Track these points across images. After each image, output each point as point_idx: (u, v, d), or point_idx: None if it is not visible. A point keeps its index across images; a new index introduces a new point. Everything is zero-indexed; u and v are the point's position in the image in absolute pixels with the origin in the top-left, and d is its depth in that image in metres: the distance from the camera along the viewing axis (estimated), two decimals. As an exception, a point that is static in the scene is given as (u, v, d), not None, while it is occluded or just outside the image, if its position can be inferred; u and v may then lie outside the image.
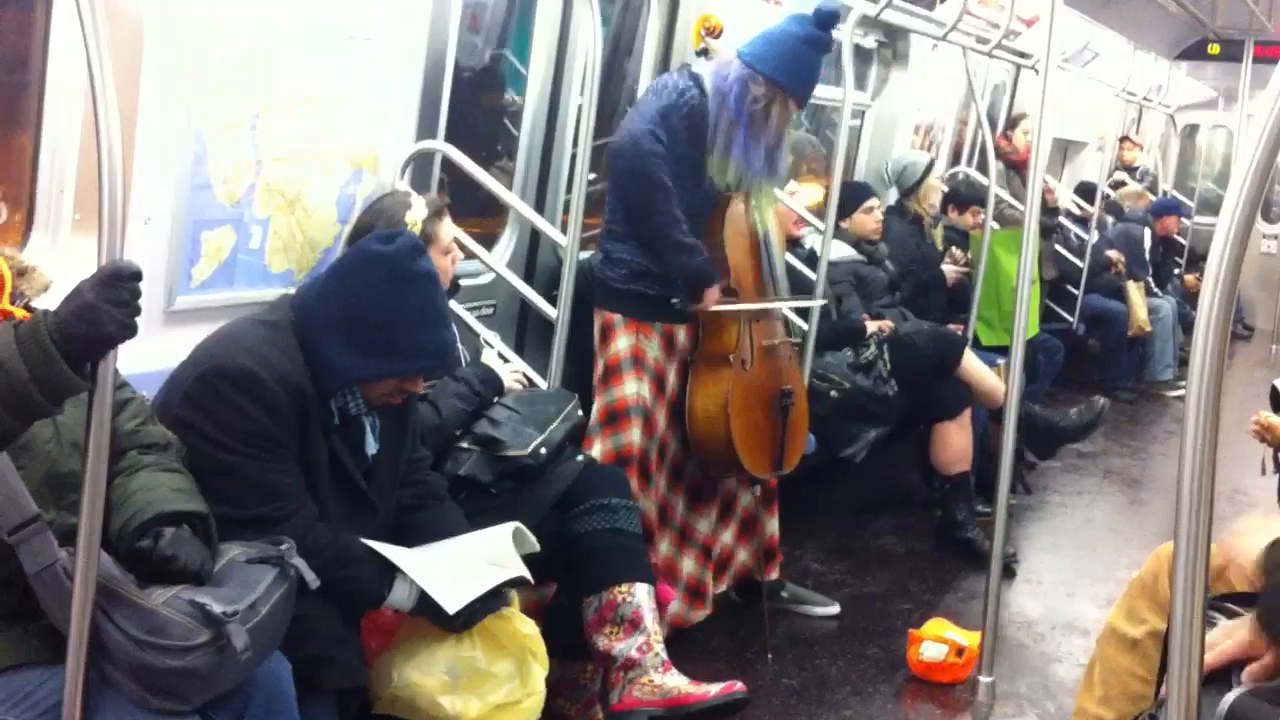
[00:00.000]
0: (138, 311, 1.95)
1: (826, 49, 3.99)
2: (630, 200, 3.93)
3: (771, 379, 4.23)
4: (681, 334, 4.12)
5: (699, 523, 4.25)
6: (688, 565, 4.18)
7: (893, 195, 6.82)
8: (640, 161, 3.81)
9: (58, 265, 2.61)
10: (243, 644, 2.15)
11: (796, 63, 3.93)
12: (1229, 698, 1.97)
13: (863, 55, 6.86)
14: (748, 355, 4.12)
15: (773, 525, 4.50)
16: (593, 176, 4.07)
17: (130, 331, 1.95)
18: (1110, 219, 9.71)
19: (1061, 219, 8.45)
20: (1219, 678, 2.06)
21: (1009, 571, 5.13)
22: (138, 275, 1.94)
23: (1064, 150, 10.92)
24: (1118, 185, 10.38)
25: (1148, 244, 9.63)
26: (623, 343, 4.01)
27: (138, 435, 2.40)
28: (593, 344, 4.08)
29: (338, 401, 2.68)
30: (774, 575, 4.54)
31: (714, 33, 4.35)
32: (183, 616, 2.13)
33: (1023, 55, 7.30)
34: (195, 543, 2.26)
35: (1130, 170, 10.92)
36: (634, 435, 3.94)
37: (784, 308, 4.45)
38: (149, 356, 2.60)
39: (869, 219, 5.92)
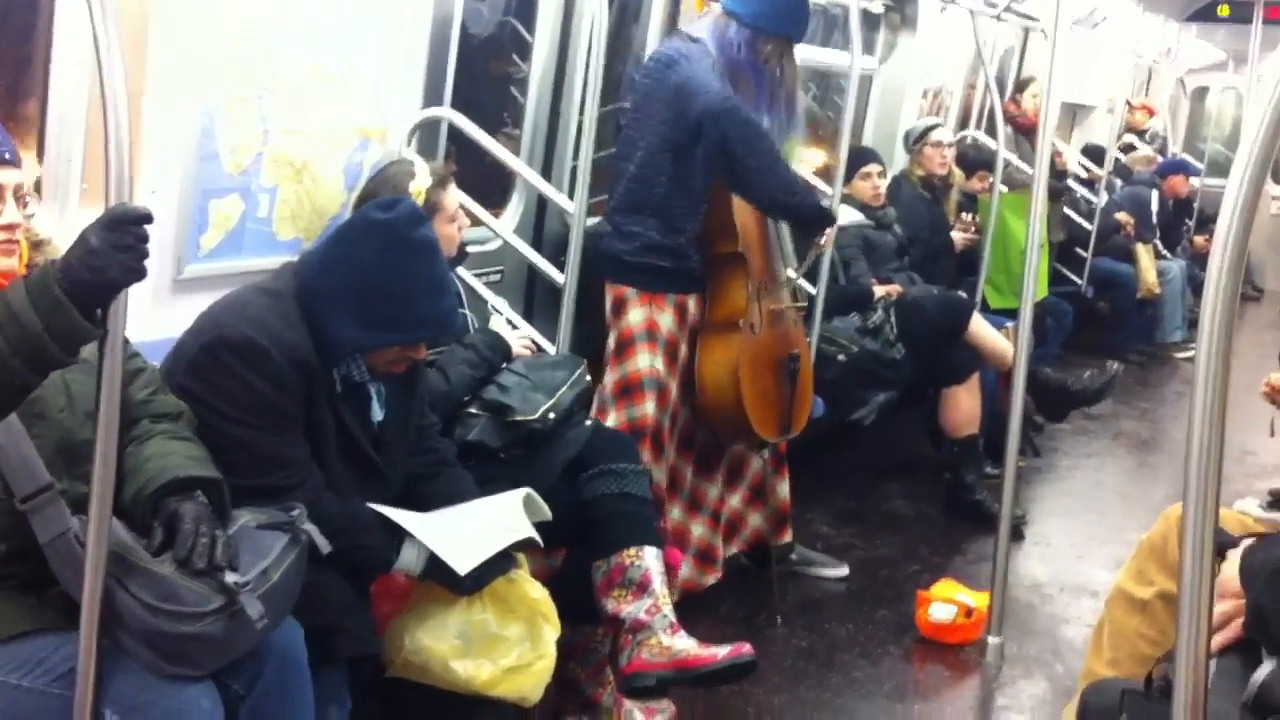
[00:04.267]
0: (145, 255, 1.93)
1: None
2: (748, 161, 3.85)
3: (779, 344, 4.23)
4: (693, 304, 4.10)
5: (708, 489, 4.26)
6: (698, 530, 4.20)
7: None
8: (738, 116, 3.81)
9: (66, 235, 2.61)
10: (257, 613, 2.16)
11: (792, 9, 3.96)
12: (1261, 673, 1.97)
13: (870, 20, 6.80)
14: (756, 321, 4.12)
15: (784, 490, 4.51)
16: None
17: (137, 275, 1.93)
18: (1119, 182, 9.67)
19: (1070, 182, 8.42)
20: (1245, 644, 2.05)
21: (1018, 534, 5.11)
22: (144, 218, 1.92)
23: (1073, 114, 10.86)
24: (1127, 149, 10.33)
25: (1155, 206, 9.59)
26: (636, 316, 4.00)
27: (150, 405, 2.40)
28: (599, 309, 4.08)
29: (341, 370, 2.67)
30: (787, 539, 4.54)
31: None
32: (196, 583, 2.13)
33: (1031, 18, 7.28)
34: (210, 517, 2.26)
35: (1140, 134, 10.86)
36: (648, 408, 3.94)
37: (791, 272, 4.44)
38: (159, 325, 2.62)
39: (866, 184, 5.87)
